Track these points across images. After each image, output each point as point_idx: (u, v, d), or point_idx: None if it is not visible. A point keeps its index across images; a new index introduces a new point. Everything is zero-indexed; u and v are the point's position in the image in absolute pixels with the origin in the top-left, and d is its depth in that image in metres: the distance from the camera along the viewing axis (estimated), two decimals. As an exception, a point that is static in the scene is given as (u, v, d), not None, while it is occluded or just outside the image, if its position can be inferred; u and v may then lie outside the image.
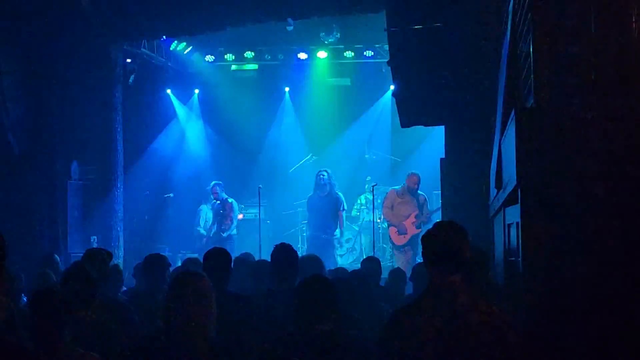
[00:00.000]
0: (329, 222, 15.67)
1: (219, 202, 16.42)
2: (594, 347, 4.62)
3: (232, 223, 16.33)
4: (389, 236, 15.35)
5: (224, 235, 16.11)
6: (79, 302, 5.21)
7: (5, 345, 2.54)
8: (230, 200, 16.43)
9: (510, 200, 5.57)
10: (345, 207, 16.14)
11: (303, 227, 17.64)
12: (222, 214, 16.31)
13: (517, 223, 5.08)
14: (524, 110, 5.05)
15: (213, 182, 16.69)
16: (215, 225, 16.43)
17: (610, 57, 4.85)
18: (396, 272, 9.11)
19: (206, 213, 17.17)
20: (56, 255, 10.09)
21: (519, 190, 4.89)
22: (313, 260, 7.62)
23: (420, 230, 14.75)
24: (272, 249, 6.86)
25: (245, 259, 8.86)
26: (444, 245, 4.29)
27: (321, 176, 15.67)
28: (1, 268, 2.67)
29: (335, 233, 15.75)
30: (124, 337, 5.63)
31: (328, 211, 15.66)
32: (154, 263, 7.46)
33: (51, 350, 4.29)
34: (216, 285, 6.07)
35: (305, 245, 16.63)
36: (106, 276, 6.79)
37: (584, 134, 4.73)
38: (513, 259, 5.61)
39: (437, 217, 14.00)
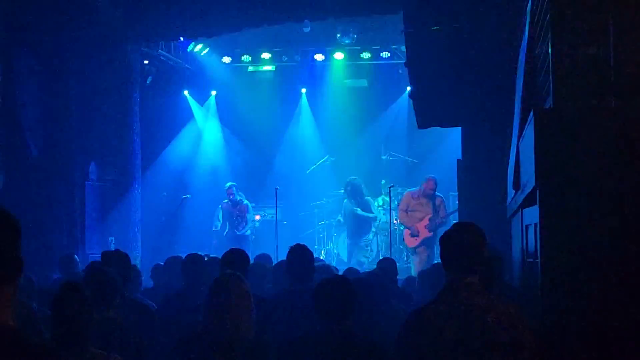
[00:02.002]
0: (362, 229, 16.18)
1: (229, 202, 16.49)
2: (611, 350, 4.61)
3: (246, 224, 16.40)
4: (403, 238, 15.40)
5: (238, 233, 16.17)
6: (101, 303, 5.24)
7: (31, 345, 2.55)
8: (245, 202, 16.48)
9: (528, 201, 5.56)
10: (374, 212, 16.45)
11: (320, 228, 17.69)
12: (235, 215, 16.35)
13: (536, 224, 5.07)
14: (543, 112, 5.05)
15: (229, 183, 16.76)
16: (227, 225, 16.46)
17: (628, 59, 4.85)
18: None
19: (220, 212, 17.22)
20: (76, 256, 10.13)
21: (538, 191, 4.88)
22: (324, 268, 7.71)
23: (432, 233, 14.73)
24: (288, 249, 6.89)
25: (263, 260, 8.89)
26: (462, 246, 4.30)
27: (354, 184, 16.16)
28: (19, 268, 2.68)
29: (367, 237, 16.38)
30: (146, 338, 5.66)
31: (362, 217, 16.14)
32: (195, 263, 7.45)
33: (76, 350, 4.31)
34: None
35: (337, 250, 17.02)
36: (128, 277, 6.81)
37: (602, 135, 4.73)
38: (531, 260, 5.60)
39: (453, 219, 13.99)
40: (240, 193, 16.86)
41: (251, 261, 7.61)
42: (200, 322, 4.79)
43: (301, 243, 6.97)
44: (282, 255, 11.06)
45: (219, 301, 4.70)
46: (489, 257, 4.42)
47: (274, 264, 8.54)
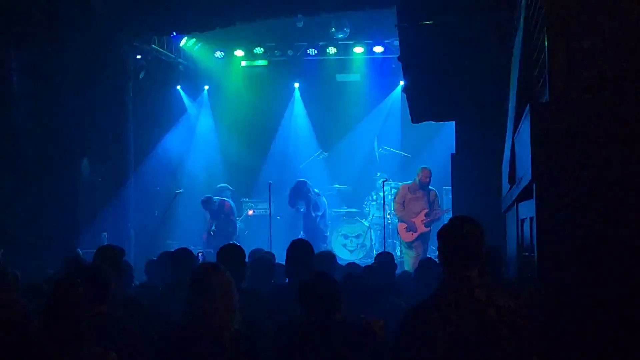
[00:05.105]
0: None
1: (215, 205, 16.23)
2: (609, 343, 4.61)
3: (234, 226, 16.13)
4: (398, 232, 15.32)
5: (233, 237, 15.93)
6: (95, 298, 5.22)
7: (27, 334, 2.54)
8: (227, 200, 16.27)
9: (524, 195, 5.55)
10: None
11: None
12: (222, 218, 16.08)
13: (532, 218, 5.07)
14: (539, 106, 5.04)
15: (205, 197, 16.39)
16: (214, 224, 16.21)
17: (625, 52, 4.84)
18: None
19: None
20: (79, 250, 10.10)
21: (534, 185, 4.87)
22: (327, 256, 7.70)
23: (429, 229, 14.71)
24: (285, 244, 6.89)
25: (260, 254, 8.88)
26: (461, 240, 4.28)
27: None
28: None
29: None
30: (138, 333, 5.64)
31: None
32: (183, 257, 7.45)
33: (72, 346, 4.29)
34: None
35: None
36: (120, 272, 6.80)
37: (599, 129, 4.72)
38: (527, 254, 5.60)
39: (446, 216, 13.98)
40: (226, 193, 16.67)
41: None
42: (184, 315, 4.80)
43: (302, 239, 7.01)
44: (275, 250, 11.08)
45: (197, 292, 4.70)
46: (487, 251, 4.41)
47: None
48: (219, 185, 17.08)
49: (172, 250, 8.75)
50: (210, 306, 4.62)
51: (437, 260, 9.34)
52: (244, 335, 4.79)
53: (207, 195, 16.26)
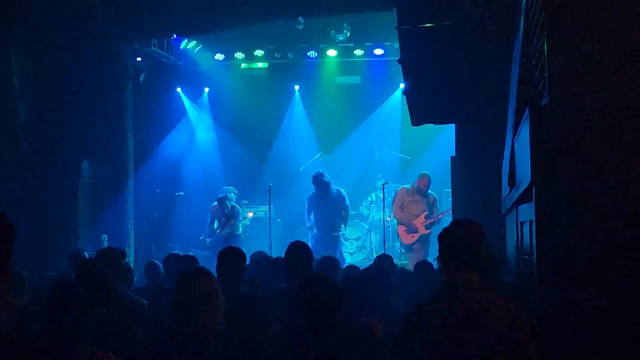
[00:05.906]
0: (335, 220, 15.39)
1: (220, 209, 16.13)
2: (608, 346, 4.61)
3: (234, 224, 16.09)
4: (398, 235, 15.30)
5: (226, 234, 15.88)
6: (95, 300, 5.22)
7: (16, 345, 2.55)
8: (237, 207, 16.23)
9: (523, 198, 5.56)
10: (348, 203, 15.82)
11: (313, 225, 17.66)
12: (227, 216, 16.06)
13: (531, 221, 5.08)
14: (539, 108, 5.05)
15: (225, 195, 16.25)
16: (216, 223, 16.15)
17: (625, 55, 4.84)
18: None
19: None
20: (85, 253, 10.11)
21: (534, 188, 4.88)
22: (331, 260, 7.71)
23: (429, 231, 14.70)
24: (286, 246, 6.89)
25: (262, 257, 8.88)
26: (462, 242, 4.29)
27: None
28: (7, 265, 2.67)
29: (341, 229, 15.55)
30: (139, 335, 5.65)
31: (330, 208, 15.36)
32: (189, 262, 7.48)
33: (72, 348, 4.28)
34: (229, 286, 6.11)
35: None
36: (120, 274, 6.81)
37: (599, 132, 4.73)
38: (526, 257, 5.60)
39: (448, 217, 13.96)
40: (231, 196, 16.57)
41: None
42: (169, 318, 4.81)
43: (301, 241, 6.99)
44: (275, 253, 11.10)
45: (179, 296, 4.70)
46: (487, 254, 4.42)
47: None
48: (224, 187, 17.06)
49: (179, 253, 8.78)
50: (193, 310, 4.60)
51: (434, 262, 9.43)
52: (230, 338, 4.77)
53: (225, 195, 16.17)
